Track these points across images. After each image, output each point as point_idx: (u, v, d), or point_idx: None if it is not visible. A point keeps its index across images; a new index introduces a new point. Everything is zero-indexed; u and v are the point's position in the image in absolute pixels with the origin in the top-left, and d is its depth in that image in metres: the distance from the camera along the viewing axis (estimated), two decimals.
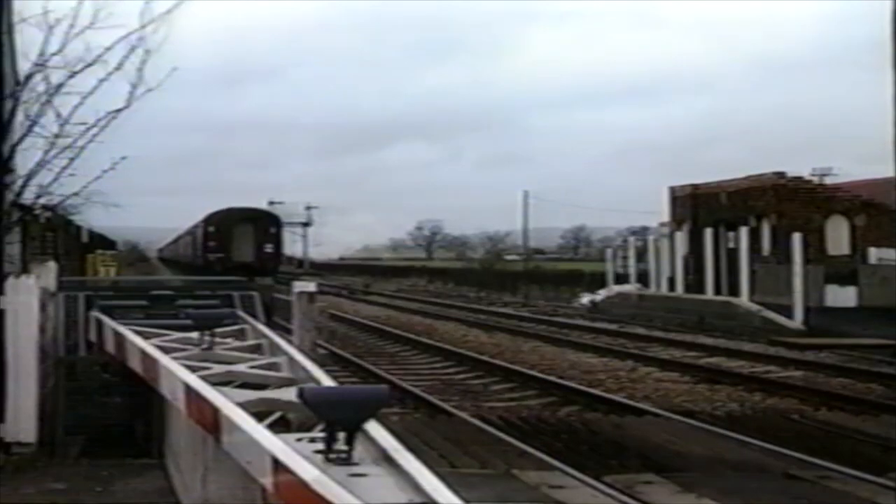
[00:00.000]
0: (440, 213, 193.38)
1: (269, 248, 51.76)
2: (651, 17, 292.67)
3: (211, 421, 5.40)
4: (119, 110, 11.55)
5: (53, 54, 11.36)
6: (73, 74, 11.33)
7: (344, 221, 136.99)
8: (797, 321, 30.41)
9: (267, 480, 4.30)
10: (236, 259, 49.14)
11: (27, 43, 11.89)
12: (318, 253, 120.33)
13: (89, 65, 11.30)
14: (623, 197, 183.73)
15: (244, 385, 6.63)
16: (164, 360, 7.12)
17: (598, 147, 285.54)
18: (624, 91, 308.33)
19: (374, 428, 4.41)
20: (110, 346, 9.53)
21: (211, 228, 52.06)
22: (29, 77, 11.55)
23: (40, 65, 11.42)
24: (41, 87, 11.48)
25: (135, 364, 8.23)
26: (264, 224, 53.03)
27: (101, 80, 11.43)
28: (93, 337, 10.52)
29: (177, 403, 6.53)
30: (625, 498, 9.37)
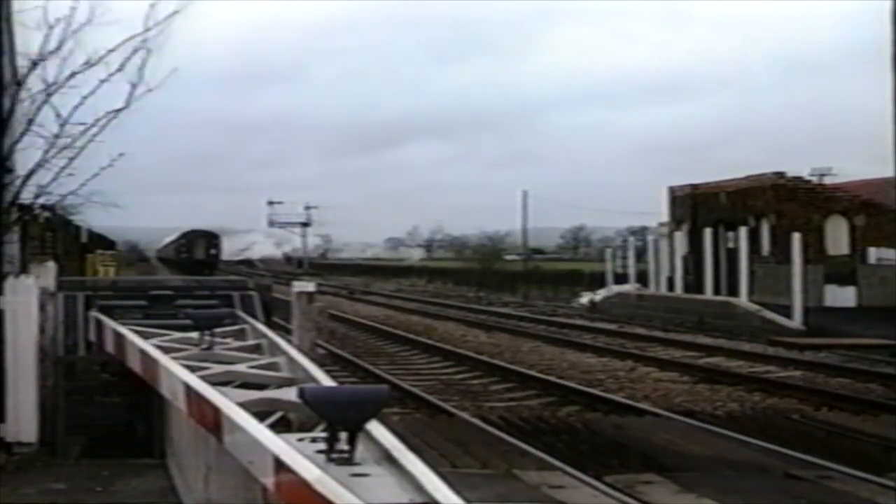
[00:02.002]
0: (457, 212, 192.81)
1: (213, 251, 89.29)
2: (680, 16, 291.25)
3: (212, 421, 5.40)
4: (119, 110, 11.52)
5: (51, 52, 11.34)
6: (73, 75, 11.31)
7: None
8: (796, 321, 30.41)
9: (269, 480, 4.30)
10: (195, 258, 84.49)
11: (26, 41, 11.88)
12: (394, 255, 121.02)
13: (92, 65, 11.27)
14: (635, 196, 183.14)
15: (244, 385, 6.62)
16: (164, 359, 7.11)
17: (614, 146, 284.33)
18: (646, 90, 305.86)
19: (375, 428, 4.41)
20: (110, 346, 9.52)
21: (182, 240, 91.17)
22: (26, 74, 11.53)
23: (37, 63, 11.39)
24: (39, 86, 11.46)
25: (134, 364, 8.22)
26: (210, 238, 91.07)
27: (103, 81, 11.40)
28: (92, 337, 10.51)
29: (177, 403, 6.52)
30: (625, 498, 9.37)
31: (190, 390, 6.02)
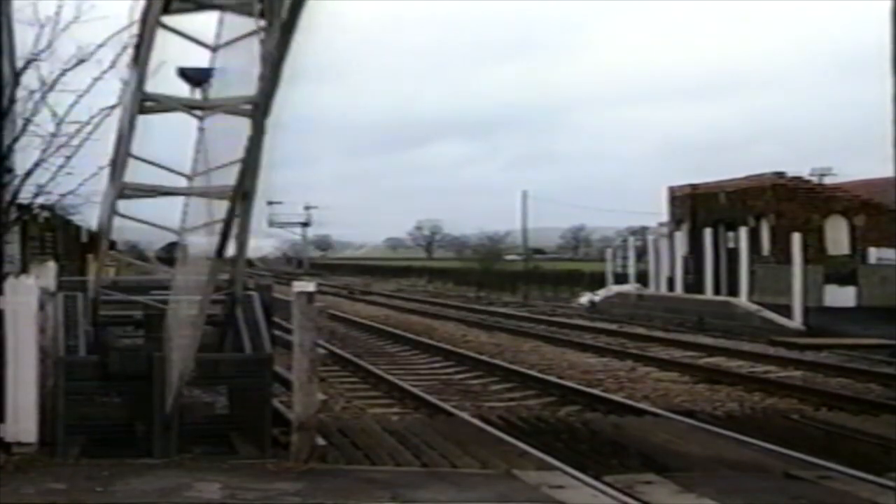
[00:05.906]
0: (461, 213, 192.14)
1: None
2: (737, 14, 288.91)
3: None
4: (112, 107, 11.52)
5: (42, 51, 11.38)
6: (64, 72, 11.34)
7: None
8: (797, 321, 30.42)
9: None
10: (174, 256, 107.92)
11: (20, 42, 11.92)
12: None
13: (81, 61, 11.29)
14: (642, 196, 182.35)
15: None
16: None
17: (637, 146, 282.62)
18: (688, 88, 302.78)
19: None
20: None
21: (167, 247, 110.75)
22: (20, 74, 11.56)
23: (30, 61, 11.43)
24: (35, 86, 11.50)
25: None
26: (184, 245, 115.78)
27: (96, 79, 11.43)
28: None
29: None
30: (625, 498, 9.37)
31: None
